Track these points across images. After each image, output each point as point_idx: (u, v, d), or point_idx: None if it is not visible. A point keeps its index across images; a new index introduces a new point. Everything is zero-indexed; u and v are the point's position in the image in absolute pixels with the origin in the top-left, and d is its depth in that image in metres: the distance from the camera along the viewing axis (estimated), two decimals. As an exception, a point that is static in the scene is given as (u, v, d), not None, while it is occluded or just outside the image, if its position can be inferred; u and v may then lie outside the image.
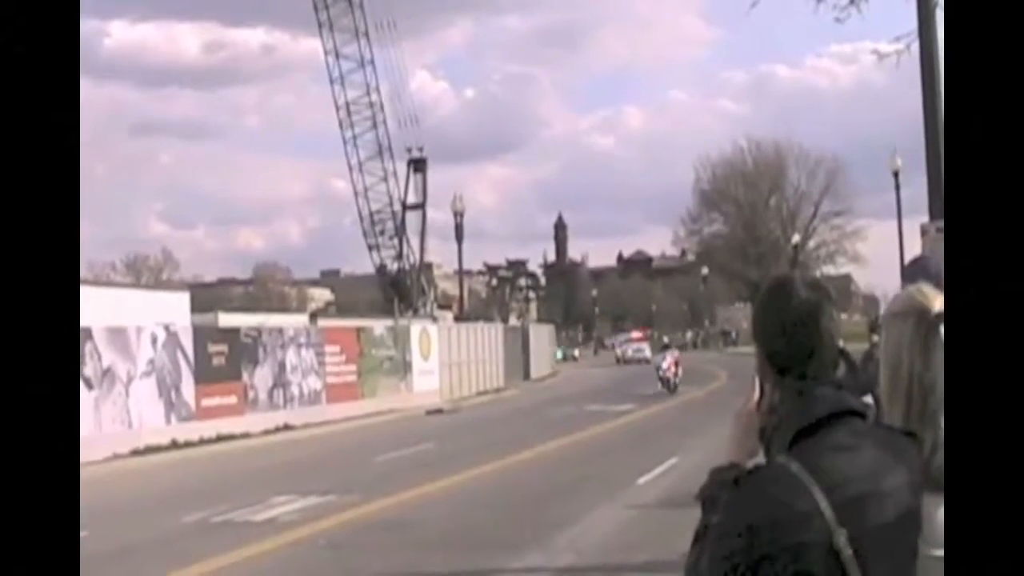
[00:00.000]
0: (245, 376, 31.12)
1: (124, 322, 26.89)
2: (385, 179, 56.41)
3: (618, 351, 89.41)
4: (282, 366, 32.99)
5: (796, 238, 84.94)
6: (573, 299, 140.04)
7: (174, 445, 26.96)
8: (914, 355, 2.44)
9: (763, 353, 2.41)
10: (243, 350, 31.27)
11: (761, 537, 2.16)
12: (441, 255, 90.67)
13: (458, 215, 51.44)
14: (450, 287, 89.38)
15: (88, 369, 24.92)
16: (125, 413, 26.13)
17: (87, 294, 25.67)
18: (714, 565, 2.22)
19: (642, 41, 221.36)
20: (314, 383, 34.61)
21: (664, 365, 42.21)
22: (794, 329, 2.34)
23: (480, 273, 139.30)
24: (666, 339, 68.80)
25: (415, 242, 58.00)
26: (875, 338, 11.07)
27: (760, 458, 2.36)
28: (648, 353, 77.89)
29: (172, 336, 28.34)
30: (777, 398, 2.35)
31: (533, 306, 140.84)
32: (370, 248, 57.67)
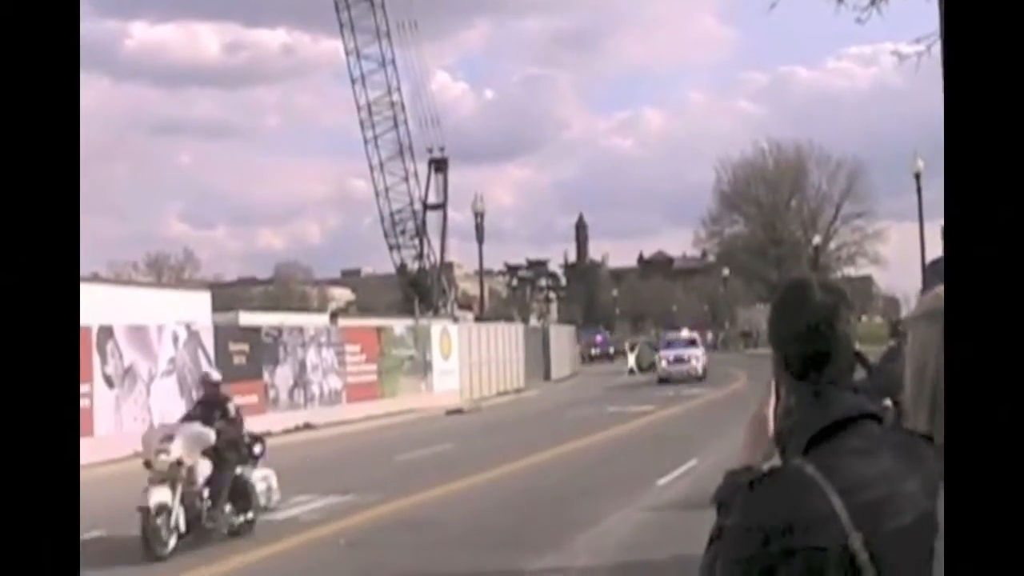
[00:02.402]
0: (266, 375, 31.21)
1: (145, 321, 27.00)
2: (406, 179, 56.54)
3: (660, 363, 55.13)
4: (303, 365, 33.07)
5: (817, 239, 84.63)
6: (593, 300, 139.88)
7: (195, 444, 27.01)
8: (940, 358, 2.43)
9: (779, 356, 2.40)
10: (264, 349, 31.36)
11: (776, 539, 2.15)
12: (461, 255, 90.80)
13: (478, 215, 51.47)
14: (470, 287, 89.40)
15: (109, 368, 25.05)
16: (146, 411, 26.20)
17: (109, 293, 25.80)
18: (728, 567, 2.22)
19: (660, 43, 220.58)
20: (334, 382, 34.68)
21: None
22: (810, 332, 2.33)
23: (500, 273, 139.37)
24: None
25: (435, 242, 58.13)
26: (891, 342, 11.03)
27: (776, 461, 2.36)
28: (699, 365, 53.27)
29: (193, 335, 28.43)
30: (793, 401, 2.35)
31: (553, 306, 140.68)
32: (391, 248, 57.83)
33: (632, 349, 70.12)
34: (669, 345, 57.79)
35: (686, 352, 54.74)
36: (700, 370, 52.90)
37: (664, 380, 51.05)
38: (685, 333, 62.76)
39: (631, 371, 62.15)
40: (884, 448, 2.27)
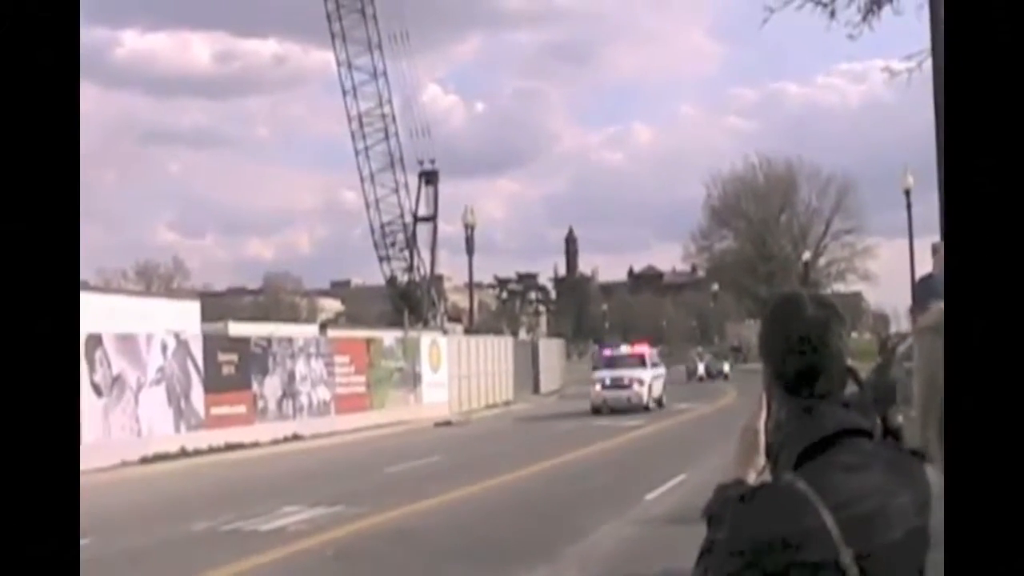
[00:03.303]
0: (255, 385, 31.16)
1: (134, 330, 26.96)
2: (396, 191, 56.53)
3: (594, 387, 42.12)
4: (292, 376, 33.02)
5: (807, 255, 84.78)
6: (583, 313, 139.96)
7: (183, 453, 27.01)
8: None
9: (770, 370, 2.41)
10: (253, 359, 31.32)
11: (767, 555, 2.16)
12: (451, 268, 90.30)
13: (469, 228, 51.44)
14: (460, 300, 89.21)
15: (98, 376, 24.98)
16: (134, 421, 26.17)
17: (98, 301, 25.73)
18: (719, 582, 2.22)
19: (651, 57, 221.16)
20: (323, 393, 34.63)
21: None
22: (802, 347, 2.34)
23: (490, 286, 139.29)
24: None
25: (426, 254, 58.14)
26: (879, 358, 11.07)
27: (766, 475, 2.37)
28: (645, 391, 40.83)
29: (182, 344, 28.39)
30: (784, 415, 2.35)
31: (543, 320, 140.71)
32: (381, 260, 57.78)
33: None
34: (609, 363, 43.81)
35: (629, 374, 41.11)
36: (646, 398, 40.47)
37: (597, 411, 39.74)
38: (629, 348, 48.35)
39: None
40: (875, 463, 2.27)
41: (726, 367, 75.51)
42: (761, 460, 2.40)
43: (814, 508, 2.17)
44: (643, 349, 46.23)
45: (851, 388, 2.39)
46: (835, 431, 2.28)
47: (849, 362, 2.38)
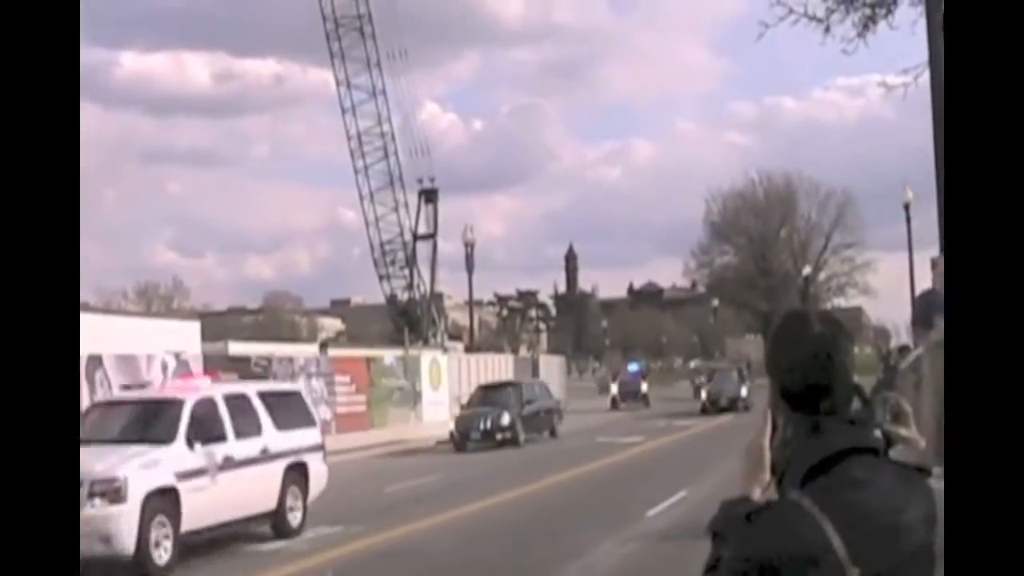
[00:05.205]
0: (255, 405, 31.08)
1: (135, 350, 26.94)
2: (396, 209, 56.47)
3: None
4: (292, 395, 32.95)
5: (807, 270, 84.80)
6: (583, 330, 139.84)
7: (183, 473, 26.91)
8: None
9: (776, 387, 2.39)
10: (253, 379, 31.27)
11: (773, 573, 2.14)
12: (451, 285, 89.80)
13: (468, 246, 51.46)
14: (460, 317, 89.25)
15: (98, 396, 24.93)
16: (134, 441, 26.09)
17: (98, 322, 25.61)
18: (725, 600, 2.21)
19: (649, 73, 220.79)
20: (324, 413, 34.54)
21: None
22: (808, 364, 2.33)
23: (490, 304, 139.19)
24: None
25: (426, 272, 58.02)
26: (880, 374, 11.07)
27: (772, 492, 2.35)
28: (131, 526, 13.15)
29: (182, 364, 28.37)
30: (791, 433, 2.34)
31: (543, 337, 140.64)
32: (381, 278, 57.70)
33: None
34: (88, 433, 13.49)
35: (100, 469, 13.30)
36: (131, 539, 13.29)
37: None
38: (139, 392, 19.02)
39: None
40: (881, 480, 2.26)
41: (744, 391, 52.48)
42: (767, 477, 2.39)
43: (820, 527, 2.16)
44: (189, 390, 17.16)
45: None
46: (842, 449, 2.27)
47: (855, 379, 2.37)
